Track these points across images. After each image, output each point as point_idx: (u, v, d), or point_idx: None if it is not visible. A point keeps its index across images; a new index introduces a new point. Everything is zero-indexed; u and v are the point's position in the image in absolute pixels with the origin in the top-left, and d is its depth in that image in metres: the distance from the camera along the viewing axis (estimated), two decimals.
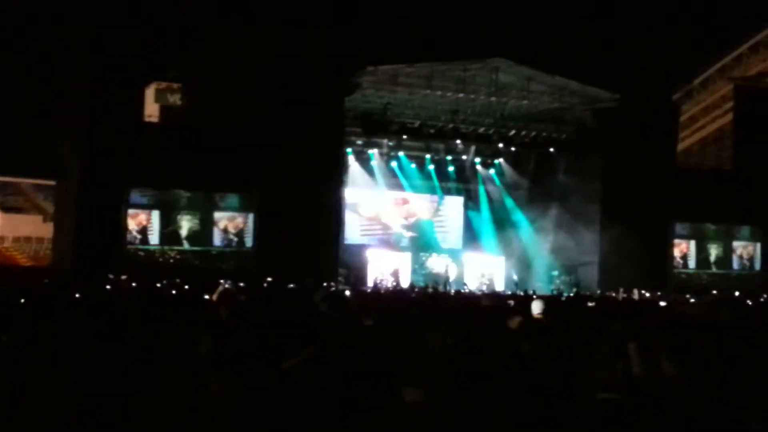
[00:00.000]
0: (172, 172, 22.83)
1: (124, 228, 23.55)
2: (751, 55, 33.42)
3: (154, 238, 24.26)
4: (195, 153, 22.53)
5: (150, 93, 25.83)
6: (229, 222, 24.94)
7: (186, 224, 24.56)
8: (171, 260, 24.17)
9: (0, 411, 8.53)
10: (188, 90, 26.19)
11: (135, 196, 24.03)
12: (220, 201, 25.00)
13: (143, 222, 24.11)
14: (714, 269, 30.01)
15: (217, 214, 24.94)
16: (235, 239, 24.96)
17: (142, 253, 24.03)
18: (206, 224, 24.75)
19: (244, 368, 7.84)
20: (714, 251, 30.07)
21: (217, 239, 24.89)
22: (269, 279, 19.21)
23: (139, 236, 24.07)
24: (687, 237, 29.79)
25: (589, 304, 13.98)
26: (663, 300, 16.65)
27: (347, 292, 15.15)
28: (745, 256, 30.28)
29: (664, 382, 5.38)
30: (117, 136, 22.16)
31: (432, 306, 11.46)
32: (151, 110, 25.88)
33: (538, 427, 4.87)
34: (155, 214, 24.29)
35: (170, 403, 8.38)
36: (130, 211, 23.91)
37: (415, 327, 8.00)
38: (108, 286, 15.32)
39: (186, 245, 24.61)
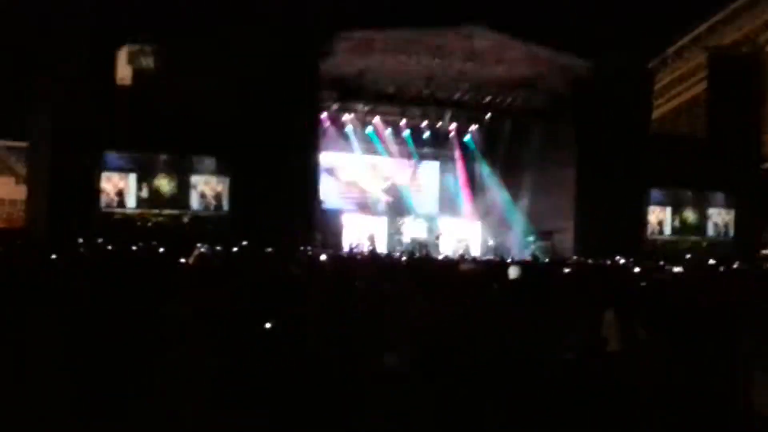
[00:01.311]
0: (145, 135, 22.65)
1: (98, 191, 23.37)
2: (726, 24, 33.52)
3: (131, 201, 24.10)
4: (168, 117, 22.34)
5: (122, 56, 25.54)
6: (206, 186, 24.78)
7: (163, 187, 24.41)
8: (148, 224, 24.03)
9: None
10: (161, 53, 25.89)
11: (111, 159, 23.82)
12: (198, 164, 24.80)
13: (120, 185, 23.93)
14: (690, 236, 30.15)
15: (194, 178, 24.76)
16: (213, 203, 24.82)
17: (119, 216, 23.85)
18: (183, 187, 24.57)
19: (219, 331, 7.84)
20: (690, 218, 30.24)
21: (195, 203, 24.76)
22: (244, 243, 19.19)
23: (116, 199, 23.91)
24: (663, 203, 29.90)
25: (565, 270, 14.08)
26: (637, 266, 16.75)
27: (323, 257, 15.14)
28: (720, 222, 30.48)
29: (637, 346, 5.44)
30: (89, 98, 21.94)
31: (410, 271, 11.49)
32: (124, 73, 25.59)
33: (511, 389, 4.90)
34: (132, 177, 24.10)
35: (143, 371, 8.38)
36: (107, 174, 23.73)
37: (393, 293, 8.03)
38: (82, 249, 15.23)
39: (163, 208, 24.48)
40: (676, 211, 30.12)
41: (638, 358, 5.39)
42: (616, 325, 5.89)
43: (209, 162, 24.84)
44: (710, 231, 30.54)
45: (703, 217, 30.43)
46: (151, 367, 8.41)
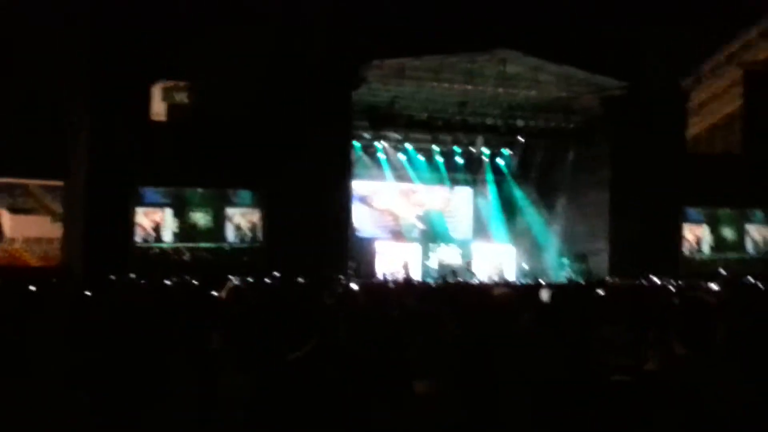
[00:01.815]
0: (180, 170, 22.83)
1: (132, 226, 23.55)
2: (761, 41, 33.19)
3: (167, 235, 24.29)
4: (203, 151, 22.53)
5: (157, 92, 25.83)
6: (242, 218, 24.89)
7: (199, 221, 24.59)
8: (185, 257, 24.16)
9: (7, 410, 8.53)
10: (195, 88, 26.15)
11: (148, 194, 24.08)
12: (233, 197, 24.96)
13: (157, 220, 24.15)
14: (728, 253, 29.72)
15: (229, 210, 24.89)
16: (249, 234, 24.91)
17: (156, 251, 24.02)
18: (219, 220, 24.74)
19: (252, 363, 7.83)
20: (728, 235, 29.81)
21: (231, 235, 24.85)
22: (277, 274, 19.21)
23: (153, 234, 24.11)
24: (701, 221, 29.51)
25: (599, 291, 13.91)
26: (672, 285, 16.55)
27: (355, 285, 15.11)
28: (759, 239, 30.03)
29: (676, 365, 5.34)
30: (123, 135, 22.19)
31: (443, 297, 11.41)
32: (159, 109, 25.86)
33: (549, 415, 4.83)
34: (168, 212, 24.33)
35: (181, 401, 8.38)
36: (144, 209, 23.97)
37: (426, 318, 7.97)
38: (116, 285, 15.32)
39: (199, 242, 24.61)
40: (715, 228, 29.69)
41: (678, 375, 5.28)
42: (654, 344, 5.78)
43: (245, 194, 24.95)
44: (749, 248, 30.06)
45: (742, 234, 29.98)
46: (189, 399, 8.43)
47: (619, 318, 7.34)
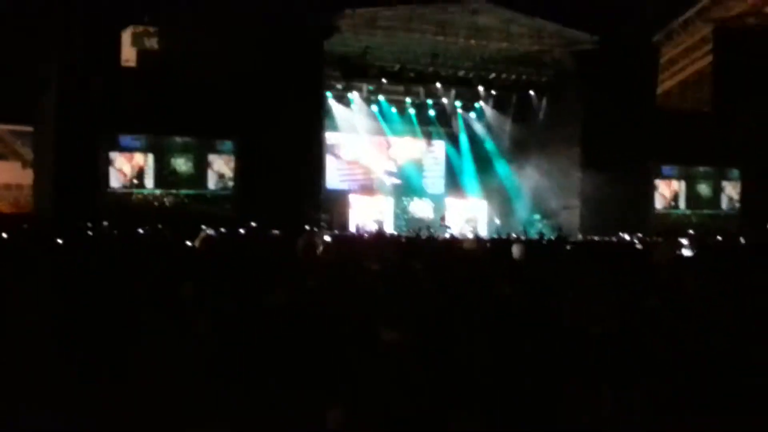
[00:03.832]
0: (153, 117, 22.60)
1: (106, 173, 23.33)
2: None
3: (149, 181, 24.09)
4: (174, 98, 22.30)
5: (127, 37, 25.51)
6: (225, 165, 24.74)
7: (180, 167, 24.40)
8: (166, 204, 24.00)
9: None
10: (165, 34, 25.83)
11: (127, 140, 23.83)
12: (217, 144, 24.76)
13: (141, 164, 23.95)
14: (704, 210, 29.95)
15: (211, 156, 24.74)
16: (231, 183, 24.74)
17: (139, 197, 23.88)
18: (201, 167, 24.58)
19: (222, 313, 7.89)
20: (703, 192, 30.02)
21: (212, 182, 24.72)
22: (252, 224, 19.21)
23: (135, 180, 23.94)
24: (676, 177, 29.72)
25: (568, 247, 14.07)
26: (640, 243, 16.76)
27: (328, 237, 15.16)
28: (734, 196, 30.25)
29: (647, 317, 5.47)
30: (92, 80, 21.92)
31: (415, 250, 11.50)
32: (128, 55, 25.56)
33: (516, 364, 4.92)
34: (150, 157, 24.13)
35: (153, 350, 8.43)
36: (125, 155, 23.78)
37: (398, 270, 8.05)
38: (89, 233, 15.28)
39: (180, 189, 24.45)
40: (690, 185, 29.87)
41: (649, 327, 5.42)
42: (623, 298, 5.90)
43: (220, 142, 24.74)
44: (724, 205, 30.29)
45: (718, 191, 30.21)
46: (151, 345, 8.47)
47: (588, 274, 7.44)
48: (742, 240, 20.21)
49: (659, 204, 29.35)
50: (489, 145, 31.89)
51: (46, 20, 24.06)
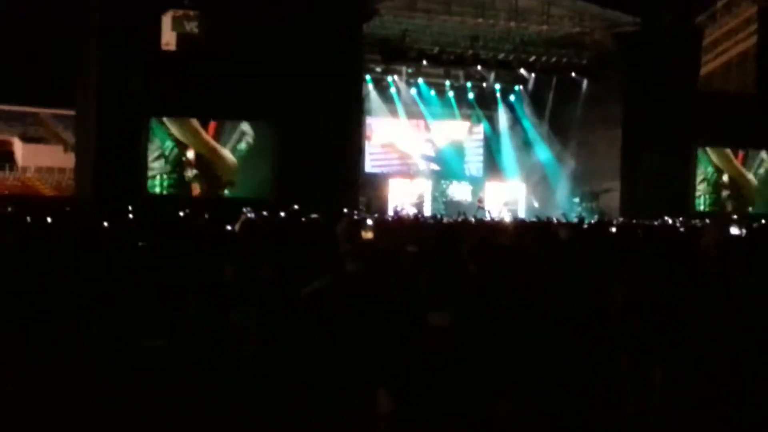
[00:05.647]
0: (191, 100, 22.71)
1: (145, 157, 23.44)
2: None
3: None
4: (214, 82, 22.35)
5: (167, 21, 25.62)
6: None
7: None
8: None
9: (21, 339, 8.69)
10: (205, 18, 25.91)
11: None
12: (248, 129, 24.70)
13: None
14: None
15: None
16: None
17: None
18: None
19: (263, 296, 7.92)
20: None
21: None
22: (294, 207, 19.19)
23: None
24: None
25: (611, 229, 13.95)
26: (683, 226, 16.56)
27: (369, 221, 15.15)
28: None
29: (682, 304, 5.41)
30: (133, 65, 22.04)
31: (456, 233, 11.44)
32: (168, 38, 25.68)
33: (557, 345, 4.90)
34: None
35: (195, 333, 8.50)
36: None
37: (440, 254, 8.02)
38: (130, 217, 15.38)
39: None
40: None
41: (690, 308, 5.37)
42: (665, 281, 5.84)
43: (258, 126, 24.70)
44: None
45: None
46: (203, 332, 8.53)
47: (630, 256, 7.37)
48: None
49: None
50: (528, 127, 31.67)
51: (86, 5, 24.24)
